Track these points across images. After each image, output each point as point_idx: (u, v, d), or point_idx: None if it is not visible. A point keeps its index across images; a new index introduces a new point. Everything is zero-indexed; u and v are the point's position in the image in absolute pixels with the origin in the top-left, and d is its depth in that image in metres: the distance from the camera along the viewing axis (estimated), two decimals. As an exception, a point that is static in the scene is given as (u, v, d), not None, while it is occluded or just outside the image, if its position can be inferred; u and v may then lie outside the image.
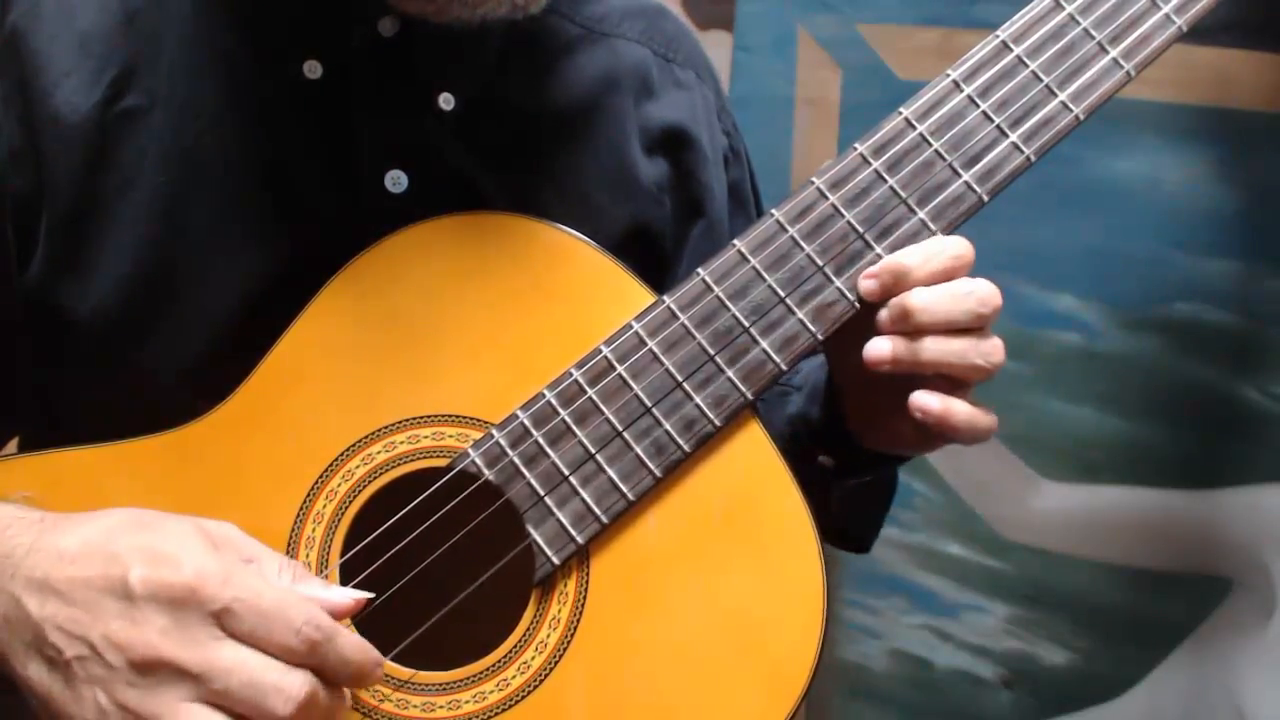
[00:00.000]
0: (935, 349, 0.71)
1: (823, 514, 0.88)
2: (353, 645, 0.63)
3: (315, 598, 0.64)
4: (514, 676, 0.70)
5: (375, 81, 0.77)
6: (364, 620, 0.69)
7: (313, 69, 0.76)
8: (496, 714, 0.70)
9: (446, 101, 0.78)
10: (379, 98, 0.77)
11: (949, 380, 0.72)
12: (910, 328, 0.71)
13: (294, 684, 0.59)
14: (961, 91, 0.74)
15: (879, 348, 0.72)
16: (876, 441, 0.81)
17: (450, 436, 0.73)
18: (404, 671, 0.70)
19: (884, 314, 0.72)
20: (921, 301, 0.71)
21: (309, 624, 0.61)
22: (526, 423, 0.72)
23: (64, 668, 0.61)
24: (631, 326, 0.73)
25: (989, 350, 0.72)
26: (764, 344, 0.73)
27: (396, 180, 0.77)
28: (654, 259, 0.86)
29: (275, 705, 0.59)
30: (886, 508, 0.93)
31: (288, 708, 0.59)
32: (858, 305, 0.73)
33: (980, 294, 0.71)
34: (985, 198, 0.73)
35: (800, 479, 0.82)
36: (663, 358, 0.72)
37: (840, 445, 0.84)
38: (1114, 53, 0.74)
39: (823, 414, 0.85)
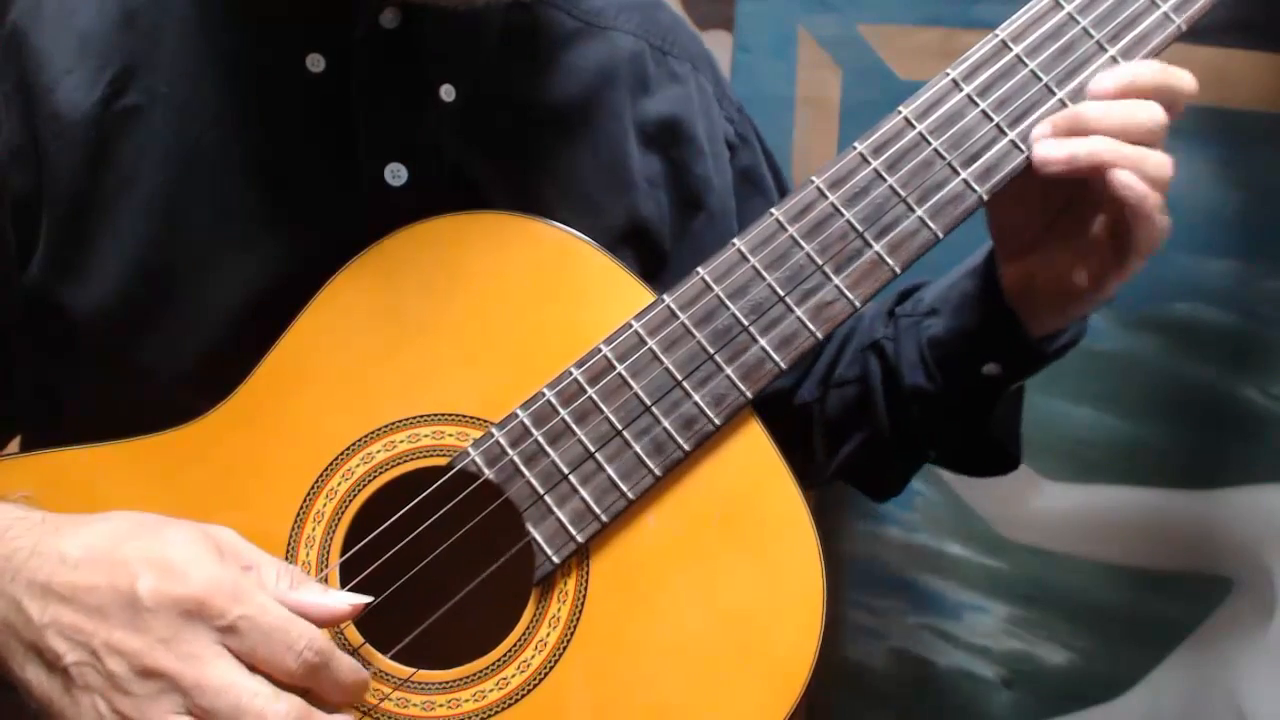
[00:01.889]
0: (1111, 147, 0.71)
1: (977, 438, 0.89)
2: (347, 668, 0.65)
3: (314, 603, 0.64)
4: (513, 675, 0.70)
5: (377, 74, 0.77)
6: (364, 619, 0.69)
7: (315, 62, 0.76)
8: (496, 713, 0.70)
9: (448, 93, 0.79)
10: (380, 90, 0.77)
11: None
12: (1084, 130, 0.71)
13: (276, 713, 0.60)
14: (960, 90, 0.74)
15: (1050, 148, 0.72)
16: (1047, 316, 0.81)
17: (450, 435, 0.73)
18: (404, 670, 0.70)
19: (1058, 120, 0.72)
20: (1096, 110, 0.71)
21: (309, 647, 0.62)
22: (526, 421, 0.72)
23: (62, 673, 0.61)
24: (631, 325, 0.73)
25: (1162, 161, 0.72)
26: (763, 342, 0.73)
27: (396, 174, 0.77)
28: (652, 254, 0.86)
29: None
30: (1021, 418, 0.93)
31: None
32: (857, 305, 0.73)
33: (1155, 107, 0.72)
34: (985, 196, 0.73)
35: (959, 406, 0.85)
36: (662, 356, 0.73)
37: (1006, 346, 0.83)
38: (1112, 51, 0.74)
39: (984, 318, 0.83)
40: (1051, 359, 0.85)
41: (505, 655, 0.71)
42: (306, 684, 0.63)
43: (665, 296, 0.73)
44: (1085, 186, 0.74)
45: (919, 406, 0.88)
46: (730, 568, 0.71)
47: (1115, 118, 0.71)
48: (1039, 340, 0.82)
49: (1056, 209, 0.77)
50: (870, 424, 0.91)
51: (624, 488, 0.71)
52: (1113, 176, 0.71)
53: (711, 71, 0.93)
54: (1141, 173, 0.71)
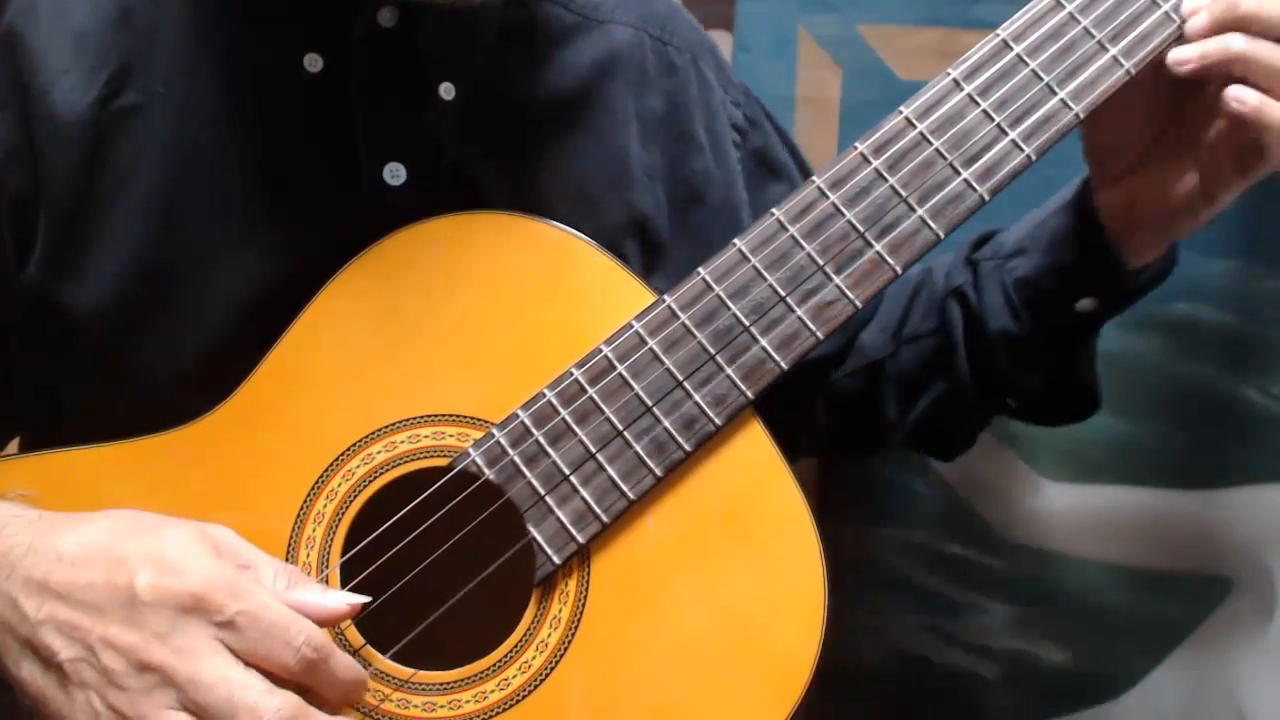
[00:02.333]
0: (1248, 44, 0.71)
1: (1060, 381, 0.89)
2: (345, 666, 0.64)
3: (313, 603, 0.64)
4: (515, 676, 0.70)
5: (375, 73, 0.77)
6: (365, 620, 0.69)
7: (313, 62, 0.76)
8: (497, 713, 0.70)
9: (447, 92, 0.78)
10: (379, 90, 0.77)
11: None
12: (1232, 23, 0.72)
13: (269, 708, 0.60)
14: (961, 90, 0.74)
15: (1185, 50, 0.72)
16: (1147, 241, 0.81)
17: (451, 436, 0.73)
18: (404, 671, 0.70)
19: (1202, 19, 0.72)
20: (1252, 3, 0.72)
21: (308, 643, 0.62)
22: (527, 422, 0.72)
23: (57, 669, 0.61)
24: (632, 325, 0.73)
25: None
26: (764, 343, 0.72)
27: (395, 173, 0.77)
28: (652, 248, 0.86)
29: None
30: (1095, 361, 0.92)
31: None
32: (858, 305, 0.73)
33: None
34: (986, 196, 0.73)
35: (1047, 347, 0.85)
36: (663, 357, 0.72)
37: (1104, 278, 0.83)
38: (1114, 51, 0.74)
39: (1080, 252, 0.83)
40: (1145, 290, 0.85)
41: (506, 656, 0.71)
42: (304, 680, 0.63)
43: (666, 296, 0.73)
44: (1199, 91, 0.74)
45: (1004, 351, 0.87)
46: (731, 568, 0.71)
47: (1259, 12, 0.71)
48: (1134, 272, 0.82)
49: (1162, 122, 0.77)
50: (949, 376, 0.91)
51: (625, 488, 0.71)
52: (1226, 92, 0.71)
53: (713, 58, 0.92)
54: (1272, 72, 0.71)
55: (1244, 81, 0.72)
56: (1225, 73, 0.72)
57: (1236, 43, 0.71)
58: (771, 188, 0.91)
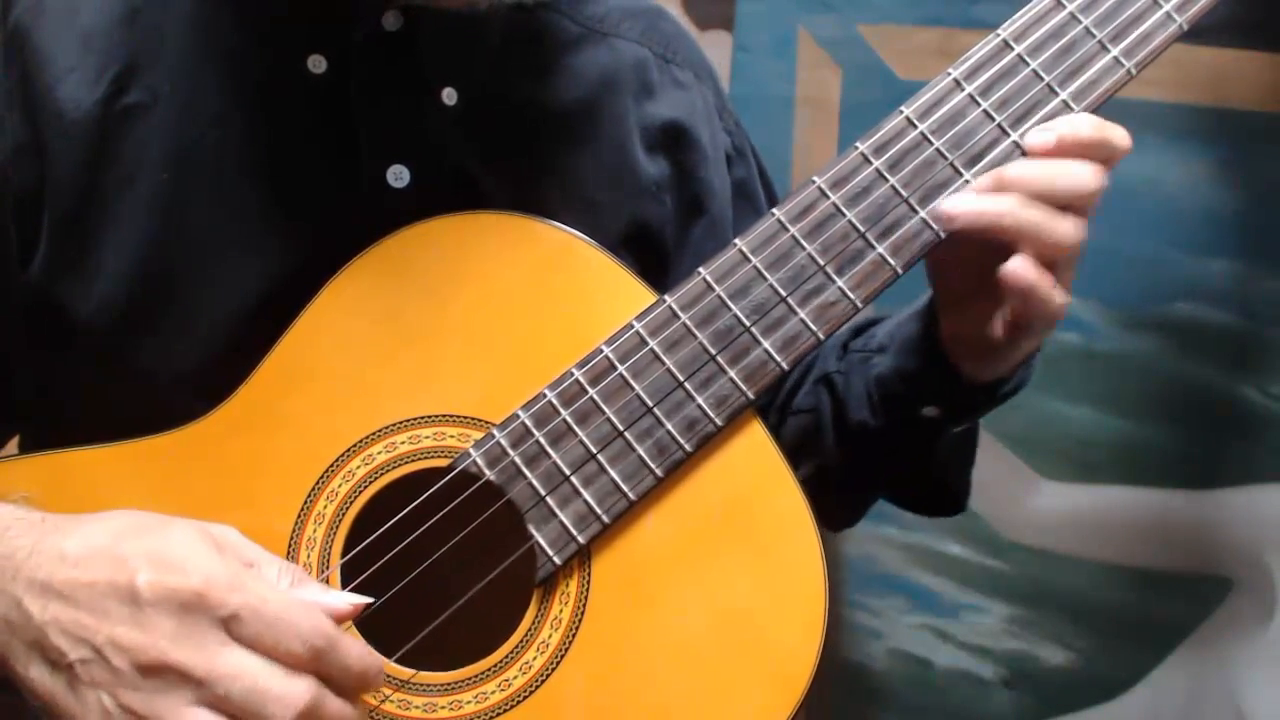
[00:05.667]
0: (1011, 211, 0.70)
1: (922, 477, 0.89)
2: (356, 653, 0.64)
3: (314, 602, 0.64)
4: (516, 677, 0.70)
5: (378, 76, 0.77)
6: (365, 621, 0.69)
7: (317, 64, 0.76)
8: (498, 714, 0.70)
9: (449, 96, 0.79)
10: (382, 92, 0.77)
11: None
12: (1004, 189, 0.71)
13: (295, 692, 0.60)
14: (962, 90, 0.73)
15: (957, 202, 0.72)
16: (978, 366, 0.80)
17: (451, 437, 0.73)
18: (405, 672, 0.70)
19: (983, 181, 0.72)
20: (1016, 170, 0.71)
21: (315, 632, 0.61)
22: (528, 423, 0.72)
23: (66, 670, 0.61)
24: (632, 326, 0.73)
25: (1069, 230, 0.71)
26: (765, 344, 0.72)
27: (398, 175, 0.77)
28: (655, 257, 0.86)
29: (274, 713, 0.59)
30: (973, 462, 0.92)
31: (287, 715, 0.59)
32: (859, 305, 0.73)
33: (1083, 172, 0.71)
34: (986, 197, 0.73)
35: (901, 444, 0.84)
36: (664, 357, 0.72)
37: (945, 390, 0.82)
38: (1115, 51, 0.74)
39: (924, 361, 0.83)
40: (990, 405, 0.84)
41: (507, 657, 0.71)
42: (313, 670, 0.62)
43: (667, 297, 0.73)
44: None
45: (864, 443, 0.88)
46: (732, 569, 0.71)
47: (1035, 179, 0.71)
48: (981, 386, 0.82)
49: (991, 263, 0.75)
50: (821, 455, 0.91)
51: (626, 489, 0.71)
52: (1003, 270, 0.71)
53: (713, 82, 0.94)
54: (1039, 241, 0.70)
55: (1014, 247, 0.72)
56: (1001, 237, 0.71)
57: (1007, 212, 0.70)
58: (746, 220, 0.91)
